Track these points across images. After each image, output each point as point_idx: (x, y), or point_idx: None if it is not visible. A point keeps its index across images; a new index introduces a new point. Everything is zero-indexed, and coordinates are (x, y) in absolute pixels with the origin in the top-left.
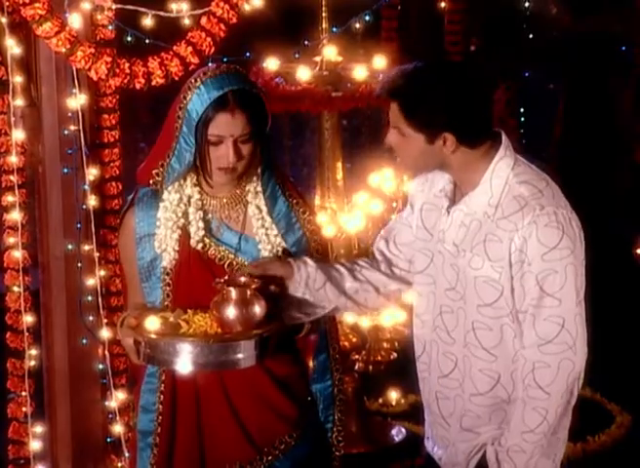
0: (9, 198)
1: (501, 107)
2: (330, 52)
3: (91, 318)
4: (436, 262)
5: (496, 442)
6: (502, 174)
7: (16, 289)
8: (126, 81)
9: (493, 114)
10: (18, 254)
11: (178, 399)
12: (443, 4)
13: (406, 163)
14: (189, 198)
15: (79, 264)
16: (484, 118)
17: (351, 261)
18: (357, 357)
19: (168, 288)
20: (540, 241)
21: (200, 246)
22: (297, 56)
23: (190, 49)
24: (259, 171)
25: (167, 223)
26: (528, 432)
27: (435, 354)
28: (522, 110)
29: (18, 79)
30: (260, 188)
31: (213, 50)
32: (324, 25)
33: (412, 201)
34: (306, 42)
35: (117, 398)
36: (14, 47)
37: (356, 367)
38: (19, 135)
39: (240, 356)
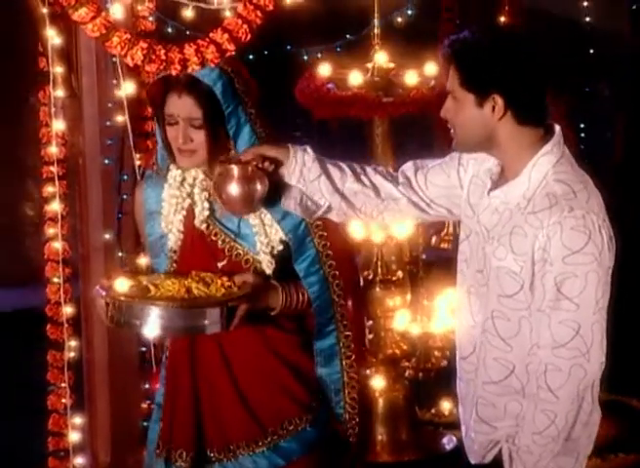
0: (49, 189)
1: (561, 121)
2: (381, 58)
3: None
4: (471, 241)
5: (510, 439)
6: (543, 169)
7: (55, 280)
8: (162, 67)
9: (547, 95)
10: (58, 246)
11: (176, 375)
12: (502, 19)
13: (457, 132)
14: (194, 179)
15: (120, 254)
16: (535, 87)
17: (363, 165)
18: (407, 364)
19: (174, 265)
20: (563, 243)
21: (204, 226)
22: (338, 49)
23: (227, 36)
24: None
25: (170, 201)
26: (537, 434)
27: (460, 334)
28: (582, 126)
29: (58, 69)
30: None
31: (249, 37)
32: (376, 31)
33: (462, 159)
34: (348, 36)
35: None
36: (54, 37)
37: (406, 374)
38: (59, 125)
39: (204, 322)
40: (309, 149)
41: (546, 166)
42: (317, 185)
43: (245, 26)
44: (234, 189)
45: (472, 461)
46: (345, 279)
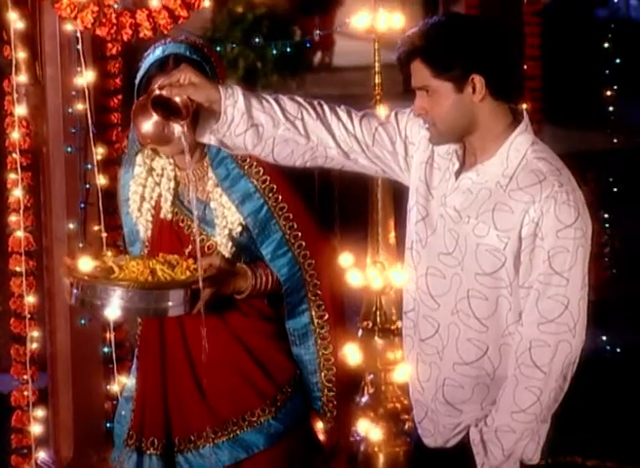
0: (11, 175)
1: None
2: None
3: None
4: (430, 223)
5: (480, 423)
6: (521, 148)
7: (18, 269)
8: (112, 31)
9: (521, 69)
10: (20, 235)
11: (147, 363)
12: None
13: (439, 124)
14: (163, 169)
15: (80, 245)
16: (510, 61)
17: (302, 109)
18: (406, 417)
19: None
20: (557, 217)
21: (170, 216)
22: (308, 45)
23: (179, 2)
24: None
25: (134, 197)
26: (519, 412)
27: (416, 315)
28: (606, 216)
29: (21, 55)
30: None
31: (202, 3)
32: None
33: (411, 137)
34: (318, 32)
35: (120, 382)
36: (17, 21)
37: (406, 426)
38: (21, 111)
39: (167, 304)
40: (240, 100)
41: (524, 145)
42: (242, 139)
43: None
44: (150, 128)
45: (432, 445)
46: (319, 258)
